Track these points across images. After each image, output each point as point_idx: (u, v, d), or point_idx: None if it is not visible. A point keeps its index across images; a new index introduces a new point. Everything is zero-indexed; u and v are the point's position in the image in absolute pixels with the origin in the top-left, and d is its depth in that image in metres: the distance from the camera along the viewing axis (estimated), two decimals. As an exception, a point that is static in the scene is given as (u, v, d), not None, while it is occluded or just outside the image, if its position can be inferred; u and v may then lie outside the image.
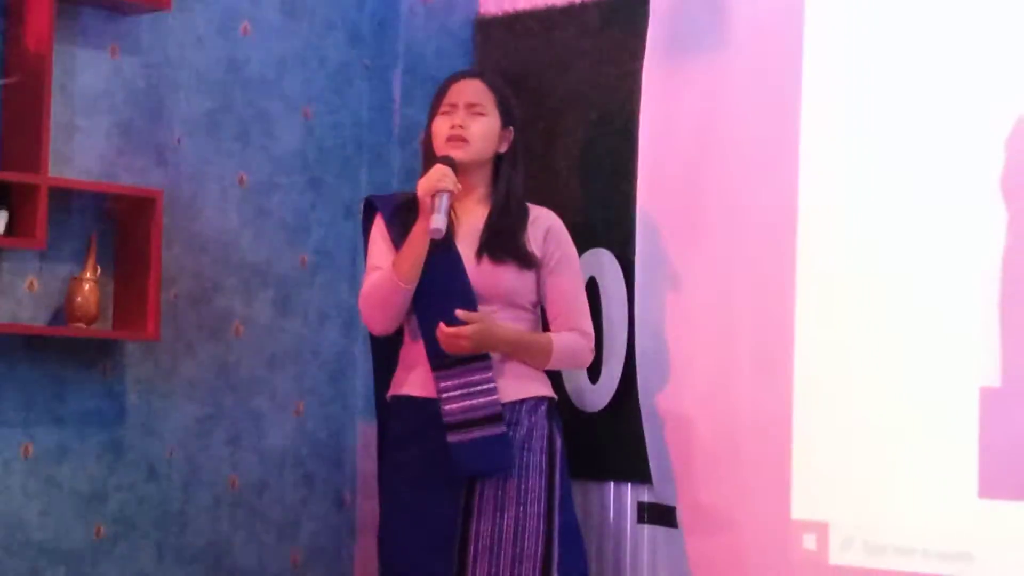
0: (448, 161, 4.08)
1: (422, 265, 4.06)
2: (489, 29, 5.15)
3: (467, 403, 4.05)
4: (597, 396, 4.68)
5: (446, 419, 4.04)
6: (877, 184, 4.17)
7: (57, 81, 4.40)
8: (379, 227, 4.22)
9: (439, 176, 4.02)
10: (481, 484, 4.06)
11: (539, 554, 4.03)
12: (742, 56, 4.44)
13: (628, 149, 4.64)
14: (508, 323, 4.13)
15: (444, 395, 4.06)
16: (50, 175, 4.30)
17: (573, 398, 4.72)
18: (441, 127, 4.18)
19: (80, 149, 4.50)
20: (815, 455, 4.23)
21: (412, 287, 4.07)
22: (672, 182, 4.55)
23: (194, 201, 4.73)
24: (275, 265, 4.92)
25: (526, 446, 4.09)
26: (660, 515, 4.52)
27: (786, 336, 4.29)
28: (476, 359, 4.07)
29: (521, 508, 4.05)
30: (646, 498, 4.59)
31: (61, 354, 4.45)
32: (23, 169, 4.26)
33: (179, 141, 4.71)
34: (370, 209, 4.33)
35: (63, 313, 4.42)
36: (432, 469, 4.08)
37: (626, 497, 4.67)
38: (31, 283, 4.41)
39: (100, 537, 4.53)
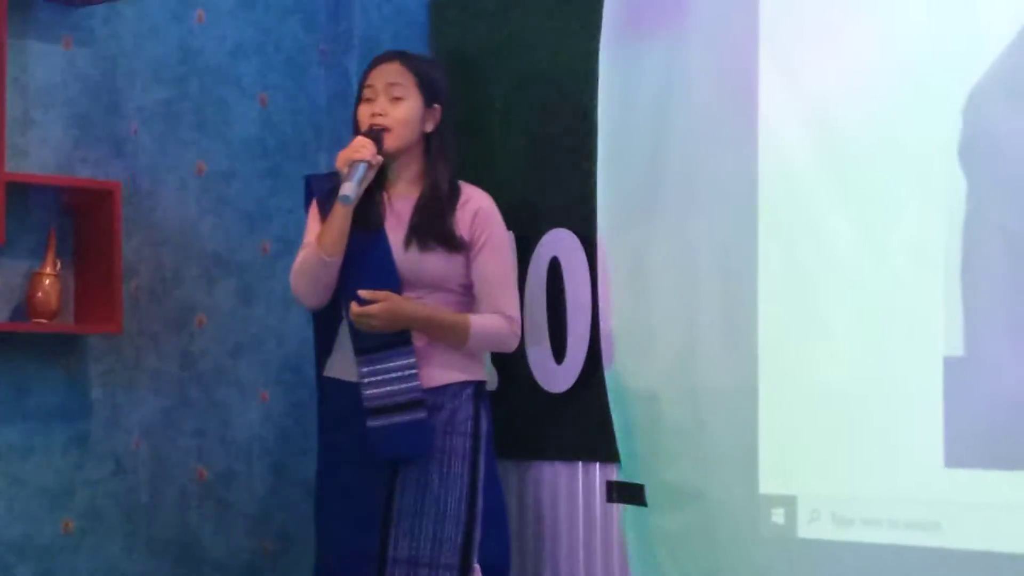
0: (373, 135, 4.12)
1: (344, 238, 4.09)
2: (444, 10, 5.14)
3: (388, 388, 4.09)
4: (562, 376, 4.67)
5: (366, 404, 4.08)
6: (837, 153, 4.15)
7: (11, 74, 4.39)
8: (313, 205, 4.26)
9: (357, 147, 4.09)
10: (405, 466, 4.09)
11: (459, 536, 4.08)
12: (698, 28, 4.41)
13: (587, 127, 4.62)
14: (425, 302, 4.15)
15: (366, 380, 4.10)
16: (6, 170, 4.29)
17: (539, 379, 4.72)
18: (363, 115, 4.21)
19: (36, 142, 4.49)
20: (781, 429, 4.22)
21: (336, 260, 4.10)
22: (632, 157, 4.53)
23: (153, 192, 4.72)
24: (236, 253, 4.91)
25: (448, 430, 4.13)
26: (629, 493, 4.52)
27: (749, 310, 4.28)
28: (397, 344, 4.10)
29: (443, 491, 4.09)
30: (615, 477, 4.59)
31: (23, 350, 4.44)
32: (-21, 164, 4.24)
33: (136, 132, 4.70)
34: (308, 188, 4.36)
35: (24, 309, 4.41)
36: (359, 450, 4.12)
37: (594, 476, 4.67)
38: (-9, 279, 4.40)
39: (68, 532, 4.52)
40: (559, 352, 4.69)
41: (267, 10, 5.00)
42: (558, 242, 4.70)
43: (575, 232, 4.67)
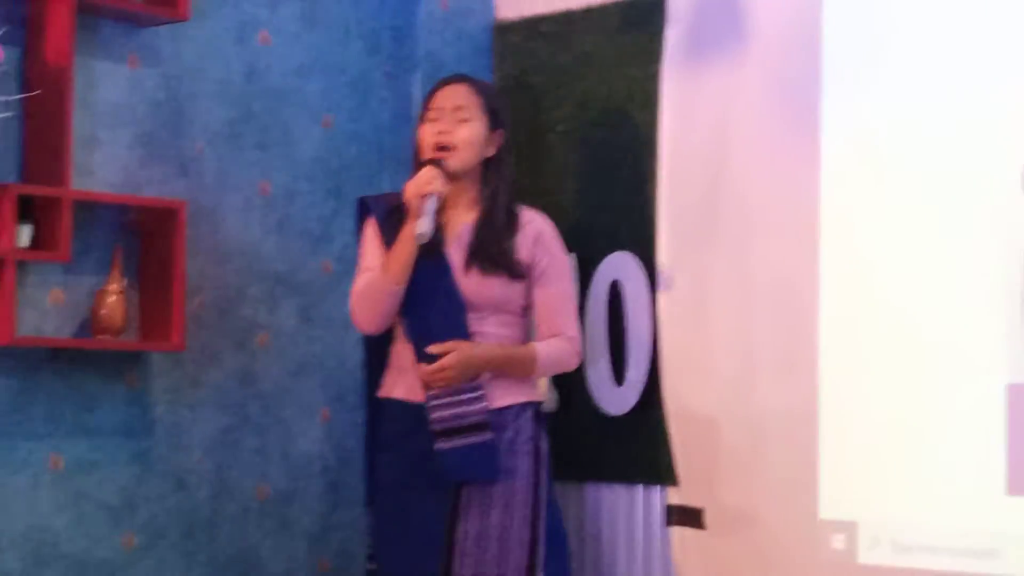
0: (437, 163, 4.12)
1: (411, 267, 4.09)
2: (507, 33, 5.18)
3: (455, 411, 4.09)
4: (623, 399, 4.70)
5: (433, 426, 4.08)
6: (899, 182, 4.19)
7: (78, 94, 4.42)
8: (371, 227, 4.26)
9: (427, 179, 4.07)
10: (468, 486, 4.10)
11: (524, 557, 4.08)
12: (761, 56, 4.46)
13: (649, 152, 4.67)
14: (493, 328, 4.16)
15: (432, 402, 4.10)
16: (73, 188, 4.32)
17: (598, 400, 4.75)
18: (427, 134, 4.20)
19: (102, 161, 4.53)
20: (842, 455, 4.24)
21: (402, 288, 4.11)
22: (693, 183, 4.57)
23: (217, 211, 4.76)
24: (298, 273, 4.94)
25: (511, 450, 4.13)
26: (687, 517, 4.54)
27: (810, 335, 4.31)
28: None
29: (506, 511, 4.09)
30: (674, 500, 4.61)
31: (87, 366, 4.48)
32: (46, 183, 4.29)
33: (200, 151, 4.73)
34: (364, 209, 4.35)
35: (88, 325, 4.45)
36: (420, 471, 4.12)
37: (654, 499, 4.69)
38: (56, 296, 4.43)
39: (130, 547, 4.55)
40: (619, 374, 4.71)
41: (331, 32, 5.04)
42: (619, 265, 4.73)
43: (636, 255, 4.70)
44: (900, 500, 4.15)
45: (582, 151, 4.90)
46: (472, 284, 4.14)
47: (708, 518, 4.49)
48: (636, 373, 4.67)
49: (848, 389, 4.24)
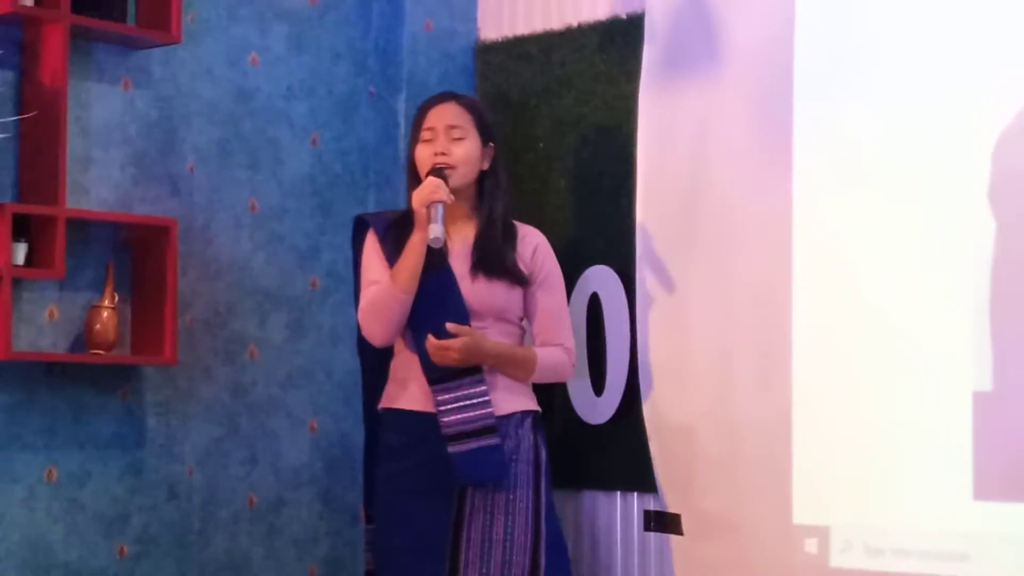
0: (440, 174, 4.17)
1: (419, 275, 4.14)
2: (489, 54, 5.23)
3: (463, 415, 4.15)
4: (602, 408, 4.75)
5: (445, 431, 4.13)
6: (869, 196, 4.22)
7: (72, 114, 4.47)
8: (372, 243, 4.30)
9: (433, 188, 4.11)
10: (472, 494, 4.15)
11: (527, 563, 4.13)
12: (735, 73, 4.49)
13: (627, 168, 4.71)
14: (495, 337, 4.22)
15: (441, 408, 4.15)
16: (67, 206, 4.37)
17: (579, 410, 4.80)
18: (424, 154, 4.24)
19: (96, 180, 4.57)
20: (815, 461, 4.27)
21: (411, 297, 4.15)
22: (669, 199, 4.60)
23: (207, 228, 4.81)
24: (287, 288, 4.99)
25: (514, 458, 4.19)
26: (665, 523, 4.58)
27: (785, 345, 4.34)
28: (469, 373, 4.16)
29: (509, 518, 4.15)
30: (652, 506, 4.65)
31: (81, 380, 4.53)
32: (41, 201, 4.34)
33: (191, 170, 4.78)
34: (361, 226, 4.39)
35: (83, 340, 4.49)
36: (425, 479, 4.18)
37: (632, 506, 4.74)
38: (51, 311, 4.48)
39: (123, 556, 4.59)
40: (598, 385, 4.77)
41: (319, 53, 5.10)
42: (598, 278, 4.78)
43: (614, 269, 4.75)
44: (871, 505, 4.18)
45: (562, 167, 4.96)
46: (478, 291, 4.20)
47: (686, 524, 4.52)
48: (615, 383, 4.72)
49: (820, 397, 4.27)
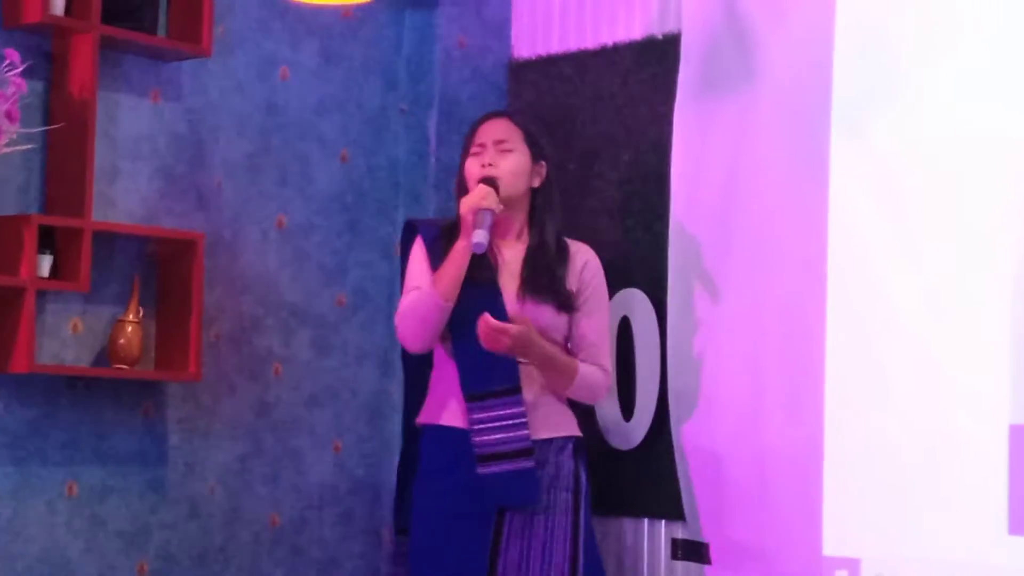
0: (491, 182, 4.16)
1: (460, 284, 4.12)
2: (522, 72, 5.22)
3: (498, 436, 4.12)
4: (631, 434, 4.73)
5: (477, 451, 4.11)
6: (905, 222, 4.20)
7: (101, 127, 4.46)
8: (419, 249, 4.29)
9: (482, 195, 4.11)
10: (510, 517, 4.12)
11: None
12: (772, 95, 4.48)
13: (660, 190, 4.70)
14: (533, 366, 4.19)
15: (476, 427, 4.13)
16: (94, 219, 4.37)
17: (607, 436, 4.78)
18: (472, 167, 4.25)
19: (123, 193, 4.57)
20: (846, 492, 4.25)
21: (450, 305, 4.13)
22: (703, 222, 4.59)
23: (234, 243, 4.80)
24: (313, 305, 4.97)
25: (554, 484, 4.16)
26: (693, 551, 4.56)
27: (816, 373, 4.31)
28: (507, 393, 4.13)
29: (547, 544, 4.12)
30: (679, 535, 4.63)
31: (104, 394, 4.51)
32: (67, 213, 4.33)
33: (219, 184, 4.77)
34: (410, 231, 4.39)
35: (106, 354, 4.48)
36: (463, 499, 4.15)
37: (660, 533, 4.71)
38: (75, 325, 4.47)
39: (144, 574, 4.58)
40: (628, 410, 4.74)
41: (350, 69, 5.08)
42: (629, 301, 4.76)
43: (646, 292, 4.73)
44: (903, 537, 4.15)
45: (594, 189, 4.94)
46: (524, 312, 4.17)
47: (714, 553, 4.50)
48: (644, 409, 4.69)
49: (853, 426, 4.24)
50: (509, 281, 4.21)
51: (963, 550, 4.06)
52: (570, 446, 4.22)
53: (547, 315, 4.20)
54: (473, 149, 4.28)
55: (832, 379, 4.30)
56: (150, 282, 4.60)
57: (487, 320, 4.05)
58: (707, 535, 4.53)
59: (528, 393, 4.17)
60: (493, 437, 4.12)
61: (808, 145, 4.38)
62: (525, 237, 4.28)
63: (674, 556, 4.64)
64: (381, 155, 5.15)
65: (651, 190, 4.76)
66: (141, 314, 4.50)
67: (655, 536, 4.73)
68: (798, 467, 4.32)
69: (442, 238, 4.24)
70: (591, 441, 4.73)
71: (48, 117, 4.40)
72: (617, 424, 4.76)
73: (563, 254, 4.28)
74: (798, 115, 4.42)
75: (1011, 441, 3.98)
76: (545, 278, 4.21)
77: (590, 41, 5.04)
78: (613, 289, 4.74)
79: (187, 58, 4.65)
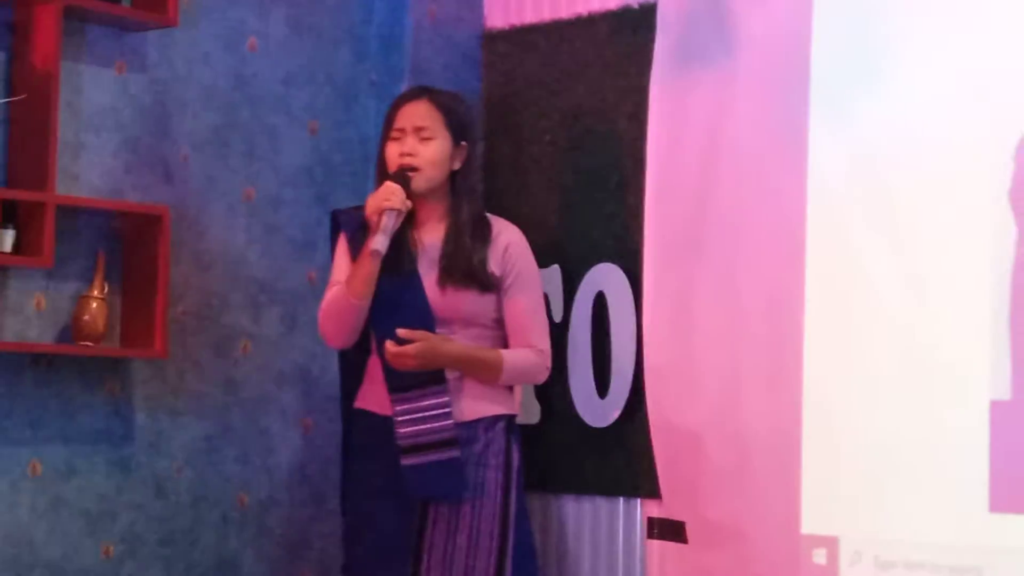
0: (401, 178, 4.13)
1: (373, 282, 4.11)
2: (496, 43, 5.16)
3: (420, 427, 4.12)
4: (606, 411, 4.68)
5: (399, 442, 4.12)
6: (884, 196, 4.18)
7: (64, 98, 4.42)
8: (341, 243, 4.29)
9: (386, 195, 4.10)
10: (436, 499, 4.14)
11: (491, 570, 4.11)
12: (750, 67, 4.46)
13: (636, 163, 4.66)
14: (458, 340, 4.17)
15: (399, 418, 4.13)
16: (57, 193, 4.32)
17: (582, 413, 4.73)
18: (391, 153, 4.22)
19: (87, 166, 4.52)
20: (825, 469, 4.23)
21: (364, 303, 4.13)
22: (680, 195, 4.56)
23: (201, 217, 4.75)
24: (282, 281, 4.94)
25: (481, 462, 4.16)
26: (670, 530, 4.53)
27: (795, 350, 4.30)
28: (431, 382, 4.13)
29: (475, 524, 4.13)
30: (656, 513, 4.60)
31: (68, 372, 4.47)
32: (30, 187, 4.29)
33: (186, 157, 4.73)
34: (336, 223, 4.38)
35: (70, 331, 4.44)
36: (389, 482, 4.15)
37: (636, 512, 4.68)
38: (38, 301, 4.43)
39: (109, 556, 4.54)
40: (603, 386, 4.69)
41: (319, 40, 5.04)
42: (604, 276, 4.72)
43: (621, 267, 4.69)
44: (882, 515, 4.14)
45: (569, 161, 4.89)
46: (446, 299, 4.16)
47: (690, 532, 4.48)
48: (620, 385, 4.65)
49: (831, 404, 4.23)
50: (430, 269, 4.19)
51: (943, 528, 4.05)
52: (501, 424, 4.22)
53: (470, 300, 4.19)
54: (393, 133, 4.24)
55: (811, 354, 4.29)
56: (115, 257, 4.55)
57: (387, 347, 4.08)
58: (683, 514, 4.51)
59: (452, 374, 4.16)
60: (415, 428, 4.12)
61: (786, 118, 4.37)
62: (447, 219, 4.25)
63: (650, 535, 4.61)
64: (351, 128, 5.10)
65: (627, 162, 4.71)
66: (106, 290, 4.46)
67: (631, 515, 4.69)
68: (776, 445, 4.31)
69: (363, 229, 4.20)
70: (565, 418, 4.75)
71: (10, 88, 4.36)
72: (592, 401, 4.71)
73: (484, 235, 4.24)
74: (777, 87, 4.40)
75: (992, 417, 3.96)
76: (464, 263, 4.18)
77: (565, 11, 4.98)
78: (588, 263, 4.73)
79: (153, 28, 4.60)
